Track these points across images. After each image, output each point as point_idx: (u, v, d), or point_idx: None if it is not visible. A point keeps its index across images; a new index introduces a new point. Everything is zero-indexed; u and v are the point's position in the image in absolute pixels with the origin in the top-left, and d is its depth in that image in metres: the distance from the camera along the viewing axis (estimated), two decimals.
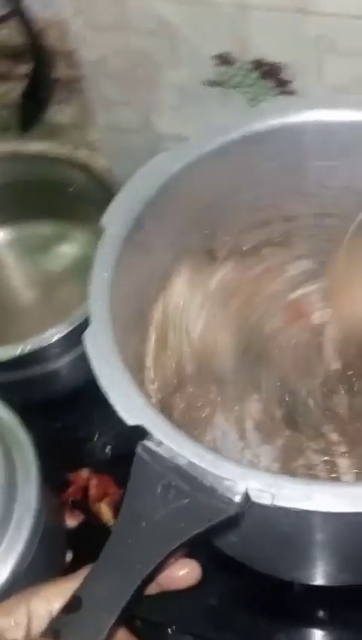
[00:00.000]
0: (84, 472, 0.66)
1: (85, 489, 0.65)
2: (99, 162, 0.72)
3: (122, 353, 0.39)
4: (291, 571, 0.48)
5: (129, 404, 0.38)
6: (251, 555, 0.50)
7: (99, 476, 0.66)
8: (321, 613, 0.53)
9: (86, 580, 0.35)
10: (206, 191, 0.48)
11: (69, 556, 0.61)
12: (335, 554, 0.45)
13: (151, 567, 0.35)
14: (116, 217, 0.44)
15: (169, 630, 0.54)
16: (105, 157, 0.76)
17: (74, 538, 0.62)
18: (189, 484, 0.36)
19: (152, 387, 0.47)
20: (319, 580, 0.50)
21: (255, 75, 0.62)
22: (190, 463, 0.36)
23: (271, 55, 0.60)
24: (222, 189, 0.49)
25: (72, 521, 0.64)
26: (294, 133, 0.48)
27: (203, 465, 0.36)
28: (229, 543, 0.49)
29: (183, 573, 0.38)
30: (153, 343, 0.47)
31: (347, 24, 0.55)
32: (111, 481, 0.65)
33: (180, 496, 0.36)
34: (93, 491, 0.66)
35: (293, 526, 0.39)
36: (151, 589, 0.37)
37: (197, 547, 0.51)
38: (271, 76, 0.62)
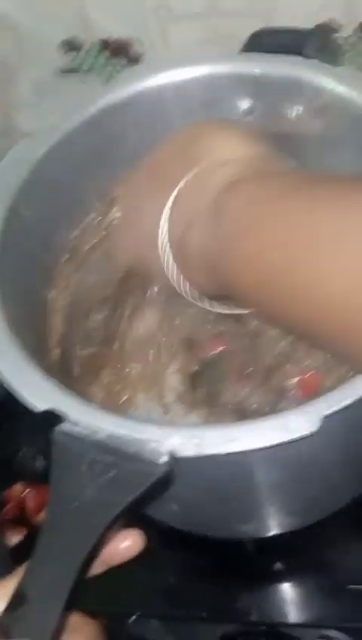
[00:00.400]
0: (18, 487, 0.64)
1: (22, 504, 0.64)
2: None
3: (20, 338, 0.38)
4: (238, 527, 0.48)
5: (36, 390, 0.37)
6: (196, 521, 0.49)
7: (34, 487, 0.64)
8: (278, 565, 0.53)
9: (26, 573, 0.34)
10: (76, 169, 0.47)
11: None
12: (273, 497, 0.45)
13: (91, 545, 0.34)
14: None
15: (132, 618, 0.53)
16: None
17: (19, 553, 0.60)
18: (113, 455, 0.35)
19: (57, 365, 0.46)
20: (268, 530, 0.50)
21: (105, 55, 0.62)
22: (110, 434, 0.36)
23: (116, 32, 0.60)
24: (92, 164, 0.48)
25: (15, 539, 0.62)
26: (152, 98, 0.48)
27: (123, 433, 0.35)
28: (172, 513, 0.48)
29: (126, 544, 0.37)
30: (55, 324, 0.46)
31: None
32: (47, 491, 0.63)
33: (107, 469, 0.35)
34: (31, 504, 0.64)
35: (225, 475, 0.39)
36: (97, 568, 0.36)
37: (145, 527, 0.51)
38: (121, 53, 0.62)
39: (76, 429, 0.36)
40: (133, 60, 0.62)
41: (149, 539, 0.55)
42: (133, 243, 0.46)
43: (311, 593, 0.53)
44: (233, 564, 0.53)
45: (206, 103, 0.48)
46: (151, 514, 0.51)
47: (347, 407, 0.34)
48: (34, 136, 0.46)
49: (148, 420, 0.49)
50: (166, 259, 0.42)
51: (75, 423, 0.36)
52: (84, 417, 0.36)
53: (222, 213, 0.37)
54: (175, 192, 0.41)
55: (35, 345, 0.42)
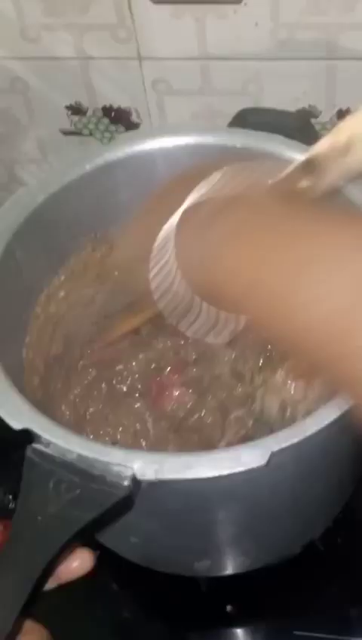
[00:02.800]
0: None
1: None
2: None
3: (3, 363, 0.41)
4: (193, 563, 0.51)
5: (14, 410, 0.40)
6: (153, 555, 0.52)
7: (4, 522, 0.66)
8: (230, 608, 0.55)
9: None
10: (70, 219, 0.52)
11: None
12: (227, 533, 0.48)
13: (50, 558, 0.37)
14: None
15: None
16: None
17: None
18: (80, 476, 0.38)
19: (34, 386, 0.49)
20: (221, 569, 0.52)
21: (106, 120, 0.68)
22: (79, 456, 0.39)
23: (117, 101, 0.66)
24: (86, 215, 0.53)
25: None
26: (143, 160, 0.53)
27: (90, 455, 0.39)
28: (131, 545, 0.51)
29: (76, 563, 0.39)
30: (29, 346, 0.50)
31: (178, 66, 0.61)
32: None
33: (72, 488, 0.38)
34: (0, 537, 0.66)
35: (182, 505, 0.42)
36: (50, 584, 0.39)
37: (105, 562, 0.54)
38: (121, 121, 0.67)
39: (47, 449, 0.39)
40: (131, 127, 0.68)
41: (107, 574, 0.58)
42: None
43: (260, 638, 0.55)
44: (187, 604, 0.55)
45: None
46: (111, 546, 0.53)
47: (295, 445, 0.38)
48: (34, 185, 0.51)
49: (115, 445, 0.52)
50: (168, 256, 0.41)
51: (47, 444, 0.39)
52: (55, 439, 0.39)
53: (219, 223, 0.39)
54: (185, 205, 0.41)
55: (18, 370, 0.46)
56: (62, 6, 0.59)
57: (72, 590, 0.56)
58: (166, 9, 0.58)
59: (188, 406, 0.55)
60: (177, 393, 0.55)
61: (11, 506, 0.68)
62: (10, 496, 0.68)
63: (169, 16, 0.58)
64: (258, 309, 0.36)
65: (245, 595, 0.55)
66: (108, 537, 0.52)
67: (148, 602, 0.56)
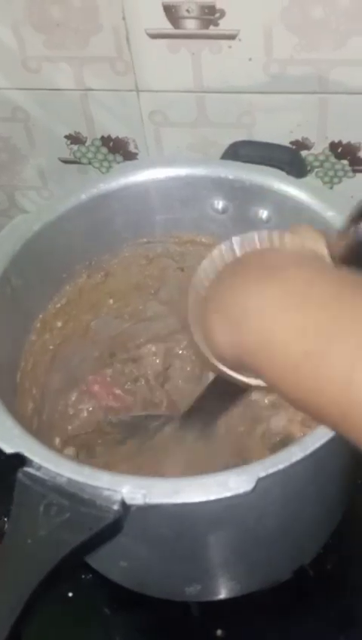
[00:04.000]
0: None
1: None
2: None
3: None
4: (183, 588, 0.51)
5: (6, 434, 0.41)
6: (143, 579, 0.52)
7: None
8: (220, 632, 0.55)
9: None
10: (66, 247, 0.53)
11: None
12: (215, 557, 0.48)
13: (40, 580, 0.37)
14: None
15: None
16: None
17: None
18: (70, 499, 0.39)
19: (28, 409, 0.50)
20: (211, 594, 0.53)
21: (104, 150, 0.69)
22: (69, 480, 0.40)
23: (115, 131, 0.67)
24: (81, 242, 0.54)
25: None
26: (138, 191, 0.54)
27: (80, 479, 0.39)
28: (122, 570, 0.51)
29: None
30: (24, 371, 0.51)
31: (174, 98, 0.63)
32: None
33: (62, 511, 0.39)
34: None
35: (171, 529, 0.43)
36: None
37: (97, 586, 0.54)
38: (119, 150, 0.69)
39: (38, 473, 0.40)
40: (129, 157, 0.69)
41: (99, 599, 0.58)
42: None
43: None
44: (177, 628, 0.56)
45: (183, 200, 0.54)
46: (102, 571, 0.54)
47: (282, 471, 0.39)
48: (31, 213, 0.52)
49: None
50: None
51: (38, 468, 0.40)
52: (46, 463, 0.40)
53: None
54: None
55: (11, 394, 0.47)
56: (63, 39, 0.61)
57: (63, 614, 0.57)
58: (163, 43, 0.60)
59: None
60: None
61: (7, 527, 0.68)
62: (6, 519, 0.68)
63: (166, 50, 0.60)
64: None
65: (236, 620, 0.55)
66: (98, 561, 0.53)
67: (140, 626, 0.57)
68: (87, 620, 0.57)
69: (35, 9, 0.60)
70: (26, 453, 0.40)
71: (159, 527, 0.43)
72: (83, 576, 0.57)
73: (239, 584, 0.52)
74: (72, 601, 0.57)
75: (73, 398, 0.58)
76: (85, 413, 0.58)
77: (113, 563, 0.51)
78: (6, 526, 0.65)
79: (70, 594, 0.57)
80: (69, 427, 0.57)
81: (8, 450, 0.40)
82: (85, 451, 0.56)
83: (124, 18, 0.59)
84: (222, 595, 0.53)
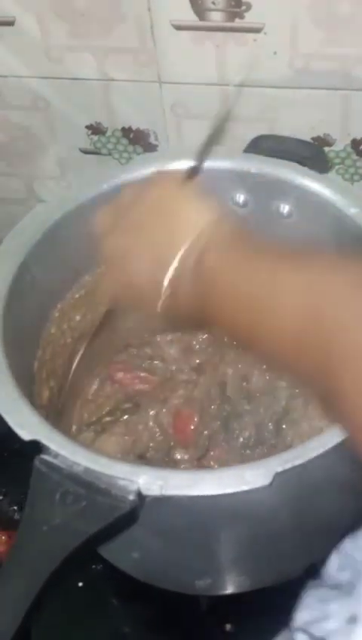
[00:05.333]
0: None
1: None
2: None
3: (15, 374, 0.42)
4: (193, 580, 0.51)
5: (24, 422, 0.41)
6: (155, 571, 0.52)
7: (8, 533, 0.67)
8: (228, 627, 0.55)
9: None
10: (85, 236, 0.53)
11: None
12: (228, 551, 0.48)
13: (54, 567, 0.38)
14: (2, 261, 0.48)
15: None
16: None
17: None
18: (86, 488, 0.39)
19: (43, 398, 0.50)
20: (221, 588, 0.53)
21: (125, 141, 0.69)
22: (85, 469, 0.40)
23: (137, 122, 0.67)
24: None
25: None
26: None
27: (97, 468, 0.39)
28: (134, 561, 0.51)
29: None
30: (41, 360, 0.51)
31: (197, 91, 0.62)
32: None
33: (78, 500, 0.39)
34: (2, 548, 0.66)
35: (185, 521, 0.43)
36: None
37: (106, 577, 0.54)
38: (139, 141, 0.69)
39: (55, 461, 0.40)
40: (149, 148, 0.69)
41: (109, 589, 0.58)
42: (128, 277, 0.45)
43: None
44: (187, 621, 0.56)
45: (206, 192, 0.54)
46: (113, 561, 0.54)
47: (299, 466, 0.39)
48: (51, 202, 0.52)
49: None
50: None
51: (55, 455, 0.40)
52: (63, 451, 0.40)
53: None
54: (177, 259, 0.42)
55: (29, 383, 0.47)
56: (87, 28, 0.61)
57: (72, 604, 0.57)
58: (187, 35, 0.59)
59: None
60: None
61: (16, 517, 0.68)
62: (15, 507, 0.69)
63: (190, 42, 0.60)
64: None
65: (245, 615, 0.55)
66: (110, 552, 0.53)
67: (148, 618, 0.57)
68: (95, 611, 0.58)
69: None
70: (44, 441, 0.40)
71: (173, 518, 0.43)
72: (93, 567, 0.57)
73: (249, 579, 0.52)
74: (81, 590, 0.57)
75: (95, 386, 0.58)
76: (102, 399, 0.58)
77: (125, 554, 0.51)
78: (15, 516, 0.67)
79: (80, 584, 0.57)
80: (85, 414, 0.57)
81: (26, 437, 0.41)
82: (103, 433, 0.56)
83: (149, 9, 0.58)
84: (232, 589, 0.53)
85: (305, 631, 0.30)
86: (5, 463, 0.70)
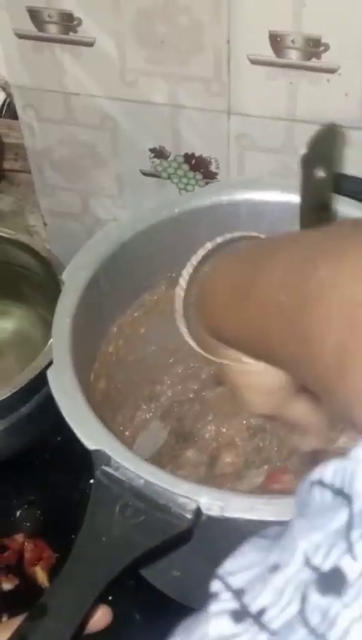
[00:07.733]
0: (19, 537, 0.68)
1: (20, 553, 0.67)
2: (40, 244, 0.77)
3: (81, 385, 0.43)
4: None
5: (89, 432, 0.42)
6: (191, 591, 0.52)
7: (34, 541, 0.67)
8: None
9: (51, 588, 0.37)
10: (152, 256, 0.54)
11: (4, 619, 0.62)
12: None
13: (111, 578, 0.38)
14: (74, 273, 0.49)
15: None
16: (46, 239, 0.82)
17: (9, 600, 0.63)
18: (145, 502, 0.40)
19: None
20: None
21: (186, 167, 0.70)
22: (146, 483, 0.40)
23: (200, 150, 0.68)
24: (166, 257, 0.55)
25: (7, 585, 0.65)
26: (228, 210, 0.56)
27: (158, 484, 0.40)
28: (172, 579, 0.52)
29: (96, 617, 0.40)
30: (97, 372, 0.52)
31: (264, 124, 0.64)
32: (45, 546, 0.67)
33: (137, 514, 0.40)
34: (28, 555, 0.67)
35: (236, 543, 0.43)
36: None
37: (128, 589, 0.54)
38: (200, 168, 0.70)
39: (116, 473, 0.41)
40: (209, 176, 0.70)
41: (129, 601, 0.58)
42: None
43: None
44: None
45: (272, 222, 0.55)
46: (150, 578, 0.54)
47: None
48: (123, 221, 0.53)
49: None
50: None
51: (117, 468, 0.41)
52: (125, 463, 0.41)
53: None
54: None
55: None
56: (164, 56, 0.63)
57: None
58: (262, 70, 0.61)
59: None
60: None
61: (42, 525, 0.69)
62: (42, 517, 0.69)
63: (263, 77, 0.61)
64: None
65: None
66: (149, 568, 0.53)
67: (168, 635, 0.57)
68: (113, 622, 0.58)
69: (143, 24, 0.61)
70: (108, 452, 0.41)
71: (222, 540, 0.43)
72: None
73: None
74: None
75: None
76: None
77: (165, 571, 0.51)
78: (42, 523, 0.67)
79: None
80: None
81: (91, 446, 0.41)
82: None
83: (228, 41, 0.60)
84: None
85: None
86: (34, 472, 0.71)
